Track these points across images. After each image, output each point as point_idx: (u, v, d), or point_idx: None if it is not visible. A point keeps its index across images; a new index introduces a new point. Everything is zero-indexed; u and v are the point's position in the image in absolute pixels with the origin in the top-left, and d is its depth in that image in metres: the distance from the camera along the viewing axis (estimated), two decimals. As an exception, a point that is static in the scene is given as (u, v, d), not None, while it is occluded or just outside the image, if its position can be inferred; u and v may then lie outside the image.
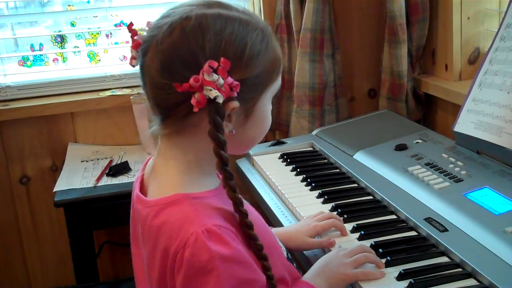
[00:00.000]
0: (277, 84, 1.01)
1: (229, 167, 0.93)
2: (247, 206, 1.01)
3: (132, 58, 0.97)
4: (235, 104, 0.92)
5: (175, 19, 0.91)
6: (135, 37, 0.96)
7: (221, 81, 0.87)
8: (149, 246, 0.97)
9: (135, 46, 0.96)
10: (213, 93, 0.87)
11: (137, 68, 0.97)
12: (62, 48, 2.27)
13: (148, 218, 0.96)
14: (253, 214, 1.05)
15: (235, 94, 0.90)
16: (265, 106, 1.00)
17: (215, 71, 0.87)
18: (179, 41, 0.90)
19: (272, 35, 0.98)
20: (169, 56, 0.91)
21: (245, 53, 0.92)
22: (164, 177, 0.99)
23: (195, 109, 0.88)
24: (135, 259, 1.09)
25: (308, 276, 1.14)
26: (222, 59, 0.87)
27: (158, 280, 0.96)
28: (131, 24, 0.98)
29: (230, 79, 0.88)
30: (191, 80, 0.87)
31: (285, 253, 1.15)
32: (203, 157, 0.97)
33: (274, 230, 1.32)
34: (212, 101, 0.88)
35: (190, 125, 0.95)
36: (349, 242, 1.27)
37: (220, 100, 0.87)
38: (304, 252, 1.31)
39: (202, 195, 0.97)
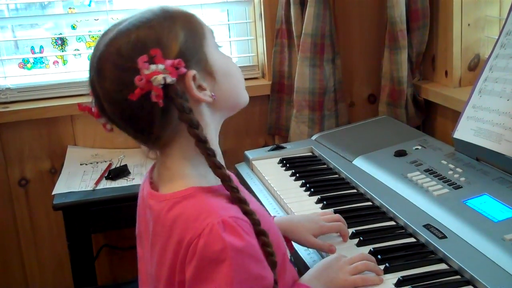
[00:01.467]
0: (210, 36, 1.03)
1: (208, 145, 0.96)
2: (255, 203, 1.04)
3: (104, 125, 1.04)
4: (192, 72, 0.95)
5: (95, 63, 0.98)
6: (92, 109, 1.03)
7: (161, 66, 0.91)
8: (161, 241, 0.98)
9: (96, 114, 1.02)
10: (160, 78, 0.90)
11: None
12: (62, 51, 2.27)
13: (162, 211, 0.98)
14: (260, 213, 1.05)
15: (184, 70, 0.93)
16: (218, 56, 1.03)
17: (152, 63, 0.91)
18: (107, 69, 0.95)
19: (165, 9, 1.00)
20: (109, 88, 0.95)
21: (160, 34, 0.95)
22: (174, 174, 1.01)
23: (160, 104, 0.91)
24: (140, 261, 1.10)
25: (306, 278, 1.15)
26: (150, 50, 0.91)
27: (167, 276, 0.96)
28: (80, 105, 1.05)
29: (169, 61, 0.92)
30: (136, 81, 0.90)
31: (288, 255, 1.16)
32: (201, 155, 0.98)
33: (278, 218, 1.33)
34: (168, 88, 0.91)
35: (175, 125, 0.97)
36: (348, 248, 1.27)
37: (170, 80, 0.91)
38: (303, 257, 1.31)
39: (216, 188, 1.00)
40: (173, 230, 0.95)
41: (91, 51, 2.23)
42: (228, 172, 0.98)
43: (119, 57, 0.94)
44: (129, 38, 0.94)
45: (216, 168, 0.97)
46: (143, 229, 1.07)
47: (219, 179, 0.98)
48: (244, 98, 1.09)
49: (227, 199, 0.98)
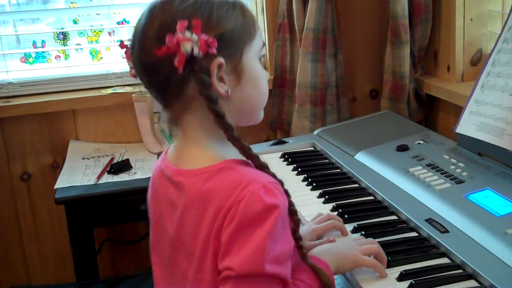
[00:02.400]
0: (258, 43, 1.04)
1: (226, 120, 0.97)
2: None
3: (130, 69, 1.04)
4: (220, 60, 0.96)
5: (147, 10, 1.00)
6: (128, 50, 1.03)
7: (195, 37, 0.92)
8: (195, 213, 0.99)
9: (129, 56, 1.03)
10: (188, 46, 0.92)
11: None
12: (64, 46, 2.27)
13: (196, 185, 0.99)
14: None
15: (214, 51, 0.95)
16: (253, 64, 1.03)
17: (189, 29, 0.92)
18: (154, 17, 0.98)
19: (239, 1, 1.03)
20: (147, 33, 0.97)
21: (213, 13, 0.97)
22: (197, 153, 1.02)
23: (180, 70, 0.93)
24: (159, 230, 1.10)
25: (316, 251, 1.14)
26: (193, 19, 0.93)
27: (202, 246, 0.98)
28: (122, 42, 1.05)
29: (204, 35, 0.93)
30: (166, 40, 0.92)
31: None
32: (217, 127, 0.99)
33: None
34: (193, 61, 0.93)
35: (189, 98, 0.98)
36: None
37: (197, 52, 0.92)
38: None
39: (247, 161, 1.02)
40: (210, 200, 0.96)
41: (92, 45, 2.25)
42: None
43: (168, 14, 0.96)
44: (186, 1, 0.96)
45: (235, 140, 0.98)
46: (164, 210, 1.07)
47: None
48: (258, 117, 1.09)
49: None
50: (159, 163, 1.11)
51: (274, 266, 0.94)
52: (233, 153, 1.02)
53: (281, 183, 1.01)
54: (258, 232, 0.92)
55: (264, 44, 1.07)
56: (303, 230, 1.31)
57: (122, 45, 1.05)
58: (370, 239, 1.20)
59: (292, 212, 1.01)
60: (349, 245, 1.16)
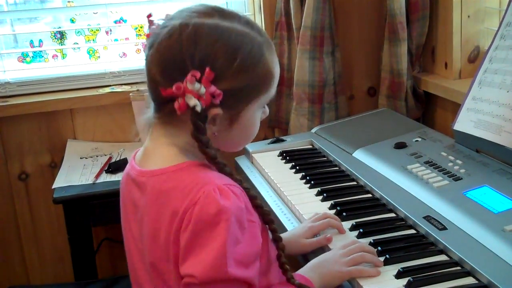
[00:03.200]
0: (267, 97, 1.05)
1: (218, 159, 1.00)
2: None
3: (144, 46, 1.04)
4: (217, 111, 0.97)
5: (176, 24, 0.97)
6: (150, 29, 1.03)
7: (203, 90, 0.93)
8: (153, 212, 1.00)
9: (148, 35, 1.03)
10: (192, 101, 0.93)
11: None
12: (61, 45, 2.27)
13: (156, 184, 1.00)
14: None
15: (218, 102, 0.95)
16: (252, 116, 1.04)
17: (199, 80, 0.93)
18: (174, 46, 0.96)
19: (270, 50, 1.02)
20: (163, 57, 0.97)
21: (233, 64, 0.96)
22: (163, 153, 1.03)
23: (178, 113, 0.95)
24: (126, 233, 1.11)
25: (302, 270, 1.15)
26: (207, 69, 0.93)
27: (164, 247, 0.98)
28: (150, 15, 1.04)
29: (212, 88, 0.94)
30: (174, 88, 0.93)
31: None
32: (195, 146, 1.01)
33: None
34: (193, 108, 0.94)
35: (179, 119, 0.99)
36: (347, 240, 1.26)
37: (199, 108, 0.93)
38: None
39: (208, 164, 1.03)
40: (167, 202, 0.97)
41: (90, 44, 2.25)
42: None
43: (193, 44, 0.95)
44: (213, 42, 0.95)
45: (231, 175, 1.01)
46: (128, 210, 1.08)
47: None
48: (235, 150, 1.12)
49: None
50: (127, 167, 1.12)
51: (237, 269, 0.95)
52: (202, 158, 1.02)
53: (246, 189, 1.01)
54: (215, 236, 0.93)
55: (274, 93, 1.07)
56: (298, 228, 1.32)
57: (149, 17, 1.03)
58: (357, 245, 1.19)
59: (269, 221, 1.03)
60: (335, 259, 1.16)
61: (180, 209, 0.95)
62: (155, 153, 1.05)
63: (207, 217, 0.93)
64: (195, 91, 0.92)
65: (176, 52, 0.96)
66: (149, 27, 1.03)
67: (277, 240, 1.04)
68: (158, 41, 0.98)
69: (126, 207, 1.10)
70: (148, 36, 1.02)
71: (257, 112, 1.06)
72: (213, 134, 1.01)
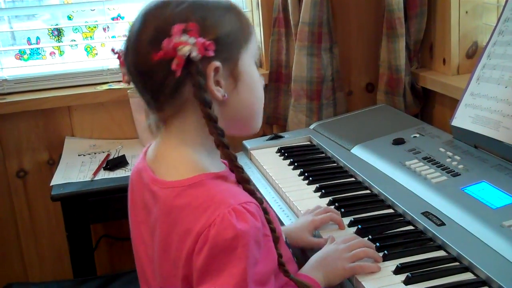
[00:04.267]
0: (253, 47, 1.03)
1: (218, 124, 0.96)
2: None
3: (123, 75, 1.02)
4: (216, 63, 0.96)
5: (141, 15, 0.99)
6: (120, 56, 1.02)
7: (193, 40, 0.92)
8: (164, 227, 0.98)
9: (121, 63, 1.02)
10: (186, 49, 0.91)
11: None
12: (59, 42, 2.26)
13: (168, 198, 0.97)
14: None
15: (211, 53, 0.94)
16: (250, 68, 1.03)
17: (185, 33, 0.92)
18: (149, 22, 0.97)
19: (234, 4, 1.03)
20: (141, 38, 0.96)
21: (208, 16, 0.96)
22: (176, 159, 1.01)
23: (178, 73, 0.92)
24: (135, 232, 1.10)
25: (305, 269, 1.15)
26: (190, 23, 0.93)
27: (173, 263, 0.96)
28: (113, 49, 1.04)
29: (201, 39, 0.93)
30: (163, 44, 0.91)
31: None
32: (205, 135, 0.98)
33: None
34: (190, 64, 0.92)
35: (183, 102, 0.97)
36: (348, 235, 1.26)
37: (195, 54, 0.91)
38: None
39: (223, 173, 1.00)
40: (179, 218, 0.95)
41: (87, 41, 2.24)
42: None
43: (162, 19, 0.95)
44: (178, 6, 0.96)
45: (224, 147, 0.97)
46: (139, 211, 1.06)
47: (222, 165, 1.01)
48: (255, 124, 1.08)
49: (234, 183, 0.99)
50: (137, 162, 1.10)
51: None
52: (214, 166, 1.01)
53: (260, 201, 0.98)
54: (234, 261, 0.90)
55: (259, 47, 1.07)
56: (301, 221, 1.32)
57: (113, 51, 1.04)
58: (358, 240, 1.19)
59: (271, 230, 1.00)
60: (337, 255, 1.16)
61: (193, 229, 0.92)
62: (167, 156, 1.03)
63: (224, 242, 0.90)
64: (185, 41, 0.91)
65: (153, 24, 0.96)
66: (118, 58, 1.03)
67: (275, 242, 1.01)
68: (131, 41, 0.98)
69: (137, 206, 1.07)
70: (120, 58, 1.02)
71: (253, 65, 1.04)
72: (224, 98, 0.98)
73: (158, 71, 0.95)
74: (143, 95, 1.01)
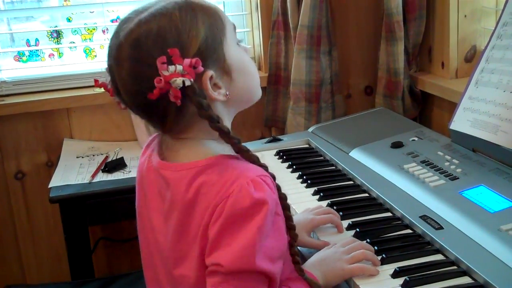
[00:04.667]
0: (230, 30, 1.04)
1: (232, 134, 0.98)
2: None
3: (118, 103, 1.03)
4: (209, 73, 0.97)
5: (114, 50, 0.98)
6: (107, 86, 1.03)
7: (180, 67, 0.92)
8: (181, 209, 0.99)
9: (112, 92, 1.02)
10: (179, 81, 0.92)
11: None
12: (58, 44, 2.26)
13: (183, 180, 0.98)
14: None
15: (201, 69, 0.95)
16: (236, 54, 1.04)
17: (170, 63, 0.92)
18: (129, 60, 0.96)
19: (192, 2, 1.01)
20: (127, 78, 0.97)
21: (180, 31, 0.96)
22: (192, 145, 1.03)
23: (178, 103, 0.93)
24: (144, 222, 1.11)
25: (305, 266, 1.14)
26: (168, 49, 0.92)
27: (191, 242, 0.97)
28: (97, 81, 1.05)
29: (187, 60, 0.93)
30: (155, 83, 0.92)
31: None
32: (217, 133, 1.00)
33: None
34: (186, 88, 0.93)
35: (189, 118, 0.99)
36: (347, 238, 1.26)
37: (189, 82, 0.92)
38: (301, 250, 1.31)
39: (238, 156, 1.01)
40: (199, 198, 0.96)
41: (86, 43, 2.24)
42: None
43: (138, 50, 0.95)
44: (149, 31, 0.95)
45: (244, 152, 0.99)
46: (152, 198, 1.07)
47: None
48: (258, 94, 1.10)
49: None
50: (148, 152, 1.11)
51: (265, 263, 0.95)
52: (229, 151, 1.02)
53: (273, 176, 1.01)
54: (247, 228, 0.92)
55: (235, 26, 1.07)
56: (301, 219, 1.32)
57: (97, 84, 1.04)
58: (358, 243, 1.20)
59: (285, 207, 1.02)
60: (336, 256, 1.16)
61: (211, 203, 0.94)
62: (180, 148, 1.04)
63: (240, 210, 0.92)
64: (174, 73, 0.92)
65: (138, 70, 0.95)
66: (105, 89, 1.03)
67: (290, 228, 1.03)
68: (118, 80, 0.98)
69: (151, 195, 1.08)
70: (110, 91, 1.02)
71: (237, 49, 1.04)
72: (227, 97, 1.00)
73: (158, 105, 0.96)
74: (148, 122, 1.03)
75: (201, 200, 0.96)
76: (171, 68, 0.92)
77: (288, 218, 1.02)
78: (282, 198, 1.01)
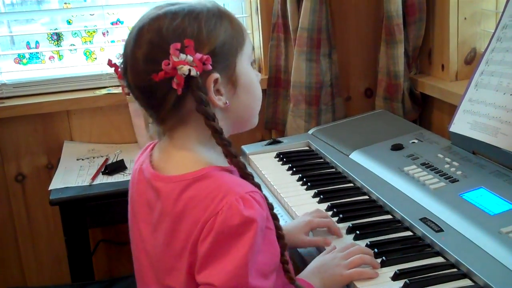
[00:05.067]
0: (248, 48, 1.06)
1: (224, 135, 0.99)
2: None
3: (123, 87, 1.05)
4: (215, 75, 0.98)
5: (135, 32, 1.00)
6: (118, 69, 1.05)
7: (190, 58, 0.94)
8: (169, 221, 0.99)
9: (119, 75, 1.04)
10: (185, 68, 0.93)
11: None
12: (58, 46, 2.26)
13: (174, 192, 0.99)
14: None
15: (210, 67, 0.96)
16: (246, 70, 1.05)
17: (183, 51, 0.94)
18: (144, 39, 0.98)
19: (223, 10, 1.04)
20: (138, 57, 0.98)
21: (202, 29, 0.98)
22: (182, 156, 1.03)
23: (179, 92, 0.94)
24: (134, 232, 1.11)
25: (303, 274, 1.15)
26: (185, 39, 0.94)
27: (178, 256, 0.98)
28: (110, 61, 1.07)
29: (198, 55, 0.95)
30: (163, 65, 0.93)
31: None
32: (209, 136, 1.00)
33: None
34: (190, 79, 0.94)
35: (185, 113, 1.00)
36: (344, 242, 1.26)
37: (194, 73, 0.94)
38: (299, 251, 1.31)
39: (229, 168, 1.02)
40: (187, 211, 0.96)
41: (86, 46, 2.24)
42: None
43: (158, 35, 0.97)
44: (173, 21, 0.97)
45: (232, 157, 0.99)
46: (140, 209, 1.07)
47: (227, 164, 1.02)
48: (255, 120, 1.12)
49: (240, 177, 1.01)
50: (141, 160, 1.12)
51: (258, 280, 0.94)
52: (220, 161, 1.03)
53: (257, 186, 1.01)
54: (239, 246, 0.92)
55: (253, 48, 1.09)
56: (297, 222, 1.32)
57: (110, 64, 1.06)
58: (356, 248, 1.20)
59: (273, 216, 1.01)
60: (335, 262, 1.16)
61: (200, 220, 0.94)
62: (172, 156, 1.04)
63: (230, 228, 0.92)
64: (183, 60, 0.93)
65: (150, 48, 0.97)
66: (116, 70, 1.05)
67: (279, 238, 1.03)
68: (128, 58, 1.00)
69: (138, 205, 1.08)
70: (117, 71, 1.05)
71: (249, 67, 1.06)
72: (226, 105, 1.01)
73: (159, 89, 0.97)
74: (145, 108, 1.04)
75: (190, 214, 0.96)
76: (182, 56, 0.94)
77: (277, 227, 1.02)
78: (269, 208, 1.01)
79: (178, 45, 0.94)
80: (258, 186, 1.01)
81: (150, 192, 1.03)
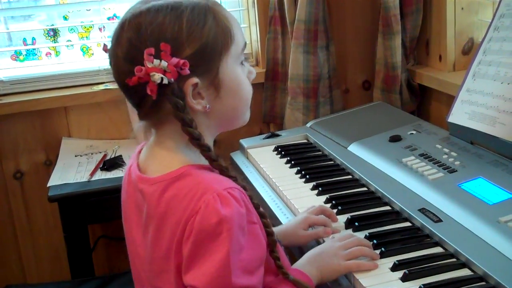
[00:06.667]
0: (236, 48, 1.01)
1: (202, 141, 0.97)
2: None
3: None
4: (194, 80, 0.95)
5: (118, 27, 0.99)
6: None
7: (165, 63, 0.91)
8: (155, 223, 0.99)
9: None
10: (157, 76, 0.91)
11: None
12: (55, 42, 2.26)
13: (155, 194, 0.98)
14: None
15: (187, 72, 0.93)
16: (232, 72, 1.01)
17: (158, 57, 0.91)
18: (124, 37, 0.96)
19: (212, 7, 0.99)
20: (118, 54, 0.97)
21: (182, 31, 0.94)
22: (165, 155, 1.02)
23: (154, 97, 0.93)
24: (127, 233, 1.10)
25: (300, 263, 1.15)
26: (161, 43, 0.92)
27: (165, 257, 0.97)
28: (106, 46, 1.03)
29: (174, 60, 0.92)
30: (136, 70, 0.92)
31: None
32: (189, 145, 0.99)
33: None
34: (165, 86, 0.92)
35: (165, 114, 0.98)
36: (344, 233, 1.26)
37: (166, 81, 0.92)
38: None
39: (208, 166, 1.00)
40: (169, 211, 0.96)
41: (83, 41, 2.24)
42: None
43: (136, 34, 0.95)
44: (153, 20, 0.94)
45: (212, 161, 0.98)
46: (130, 212, 1.07)
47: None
48: (244, 119, 1.08)
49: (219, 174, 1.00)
50: (130, 163, 1.11)
51: (242, 278, 0.94)
52: (200, 160, 1.01)
53: (244, 187, 0.99)
54: (218, 246, 0.91)
55: (245, 44, 1.05)
56: (294, 220, 1.32)
57: (105, 49, 1.03)
58: (354, 239, 1.19)
59: (261, 214, 1.01)
60: (333, 252, 1.16)
61: (182, 219, 0.93)
62: (156, 156, 1.04)
63: (208, 227, 0.91)
64: (156, 67, 0.91)
65: (128, 47, 0.95)
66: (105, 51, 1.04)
67: (268, 235, 1.02)
68: (111, 52, 0.99)
69: (129, 208, 1.08)
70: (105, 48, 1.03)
71: (237, 68, 1.02)
72: (206, 109, 0.98)
73: (136, 91, 0.96)
74: (130, 103, 1.03)
75: (172, 214, 0.95)
76: (156, 62, 0.91)
77: (265, 225, 1.01)
78: (256, 207, 1.00)
79: (152, 50, 0.91)
80: (243, 186, 0.99)
81: (138, 194, 1.03)
